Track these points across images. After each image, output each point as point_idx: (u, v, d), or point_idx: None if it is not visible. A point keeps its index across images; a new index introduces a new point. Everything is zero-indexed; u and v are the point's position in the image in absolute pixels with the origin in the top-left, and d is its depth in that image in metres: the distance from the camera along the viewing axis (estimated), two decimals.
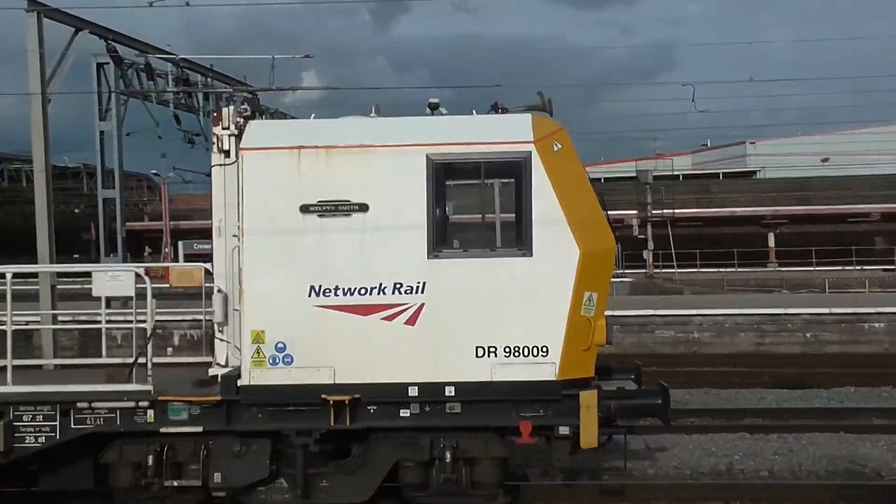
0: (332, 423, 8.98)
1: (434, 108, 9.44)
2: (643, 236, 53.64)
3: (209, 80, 29.47)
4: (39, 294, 19.72)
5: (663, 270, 54.96)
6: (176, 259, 57.34)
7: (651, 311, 25.43)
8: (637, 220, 54.54)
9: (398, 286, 8.87)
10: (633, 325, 25.13)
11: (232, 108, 9.59)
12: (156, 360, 9.47)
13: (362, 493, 9.22)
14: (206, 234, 60.76)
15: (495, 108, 9.44)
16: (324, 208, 8.93)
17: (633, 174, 61.98)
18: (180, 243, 58.02)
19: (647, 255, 53.35)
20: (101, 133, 29.39)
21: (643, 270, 52.19)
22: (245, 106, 9.70)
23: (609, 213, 9.36)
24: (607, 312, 9.19)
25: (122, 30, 24.75)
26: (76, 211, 64.99)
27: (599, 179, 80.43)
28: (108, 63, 28.08)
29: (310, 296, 8.92)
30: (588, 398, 8.83)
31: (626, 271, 51.50)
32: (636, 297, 35.76)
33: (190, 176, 54.10)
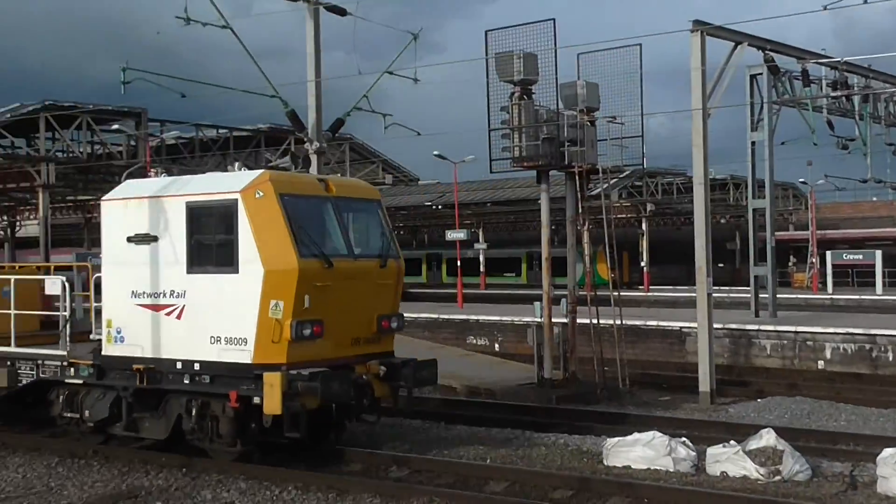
0: (137, 384, 13.23)
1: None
2: None
3: (868, 80, 27.78)
4: None
5: None
6: (823, 270, 55.49)
7: None
8: None
9: (172, 292, 13.09)
10: None
11: (158, 169, 14.48)
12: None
13: (162, 433, 13.57)
14: (853, 244, 57.75)
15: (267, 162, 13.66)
16: (137, 239, 13.40)
17: None
18: (828, 253, 55.86)
19: None
20: (752, 143, 29.62)
21: None
22: (161, 169, 14.57)
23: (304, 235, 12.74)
24: None
25: (770, 37, 24.51)
26: (721, 221, 66.77)
27: None
28: (759, 74, 28.17)
29: (131, 297, 13.46)
30: (270, 378, 11.98)
31: None
32: None
33: (842, 183, 51.68)
